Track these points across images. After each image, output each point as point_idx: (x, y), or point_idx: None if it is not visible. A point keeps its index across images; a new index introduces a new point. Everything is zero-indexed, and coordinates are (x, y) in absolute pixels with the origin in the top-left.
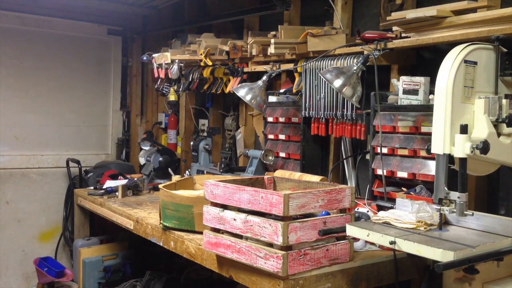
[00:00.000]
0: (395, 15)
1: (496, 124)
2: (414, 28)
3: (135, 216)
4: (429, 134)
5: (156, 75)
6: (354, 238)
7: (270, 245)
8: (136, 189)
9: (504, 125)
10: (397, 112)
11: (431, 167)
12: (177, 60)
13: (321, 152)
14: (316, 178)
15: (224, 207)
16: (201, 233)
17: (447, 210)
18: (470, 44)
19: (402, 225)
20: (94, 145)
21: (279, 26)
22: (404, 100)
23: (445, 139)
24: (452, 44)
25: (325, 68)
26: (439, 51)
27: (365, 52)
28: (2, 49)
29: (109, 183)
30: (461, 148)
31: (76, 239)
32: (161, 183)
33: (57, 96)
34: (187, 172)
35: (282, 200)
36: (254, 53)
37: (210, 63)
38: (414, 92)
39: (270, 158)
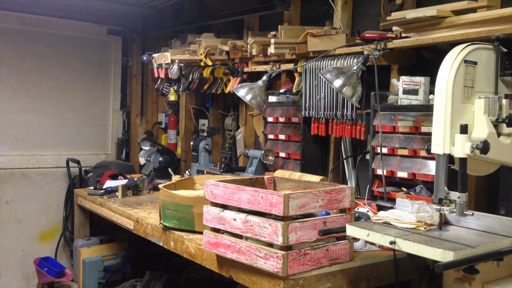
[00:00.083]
0: (395, 15)
1: (496, 124)
2: (414, 28)
3: (135, 216)
4: (429, 134)
5: (156, 75)
6: (354, 238)
7: (270, 245)
8: (136, 189)
9: (504, 125)
10: (397, 112)
11: (431, 167)
12: (177, 60)
13: (321, 152)
14: (316, 178)
15: (224, 207)
16: (201, 233)
17: (447, 210)
18: (470, 44)
19: (402, 225)
20: (94, 145)
21: (279, 26)
22: (404, 100)
23: (445, 139)
24: (452, 44)
25: (325, 68)
26: (439, 51)
27: (365, 52)
28: (2, 49)
29: (109, 183)
30: (461, 148)
31: (76, 239)
32: (161, 183)
33: (57, 96)
34: (187, 172)
35: (282, 200)
36: (254, 53)
37: (210, 63)
38: (414, 92)
39: (270, 158)
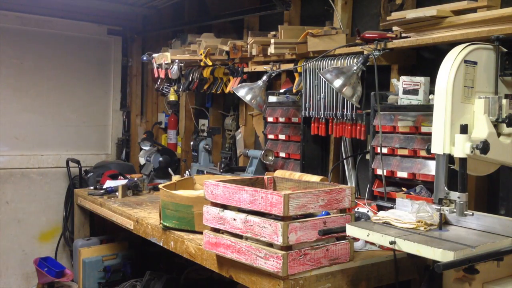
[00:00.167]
0: (395, 15)
1: (496, 124)
2: (414, 28)
3: (135, 216)
4: (429, 134)
5: (156, 75)
6: (354, 238)
7: (270, 245)
8: (136, 189)
9: (504, 125)
10: (397, 112)
11: (431, 167)
12: (177, 60)
13: (321, 152)
14: (316, 178)
15: (224, 207)
16: (201, 233)
17: (447, 210)
18: (470, 44)
19: (402, 225)
20: (94, 145)
21: (279, 26)
22: (404, 100)
23: (445, 139)
24: (452, 44)
25: (325, 68)
26: (439, 51)
27: (365, 52)
28: (2, 49)
29: (109, 183)
30: (461, 148)
31: (76, 239)
32: (161, 183)
33: (57, 96)
34: (187, 172)
35: (282, 200)
36: (254, 53)
37: (210, 63)
38: (414, 92)
39: (270, 158)
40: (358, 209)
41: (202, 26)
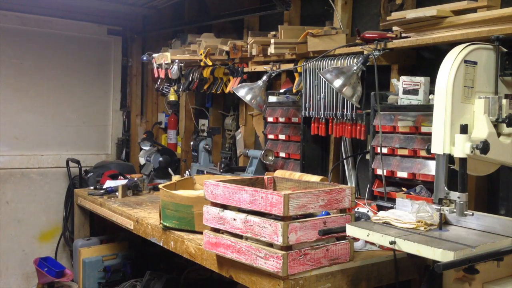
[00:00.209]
0: (395, 15)
1: (496, 124)
2: (414, 28)
3: (135, 216)
4: (429, 134)
5: (156, 75)
6: (354, 238)
7: (270, 245)
8: (136, 189)
9: (504, 125)
10: (397, 112)
11: (431, 167)
12: (177, 60)
13: (321, 152)
14: (316, 178)
15: (224, 207)
16: (201, 233)
17: (447, 210)
18: (470, 44)
19: (402, 225)
20: (94, 145)
21: (279, 26)
22: (404, 100)
23: (445, 139)
24: (452, 44)
25: (325, 68)
26: (439, 51)
27: (365, 52)
28: (2, 49)
29: (109, 183)
30: (461, 148)
31: (76, 239)
32: (161, 183)
33: (57, 96)
34: (187, 172)
35: (282, 200)
36: (254, 53)
37: (210, 63)
38: (414, 92)
39: (270, 158)
40: (358, 209)
41: (202, 26)
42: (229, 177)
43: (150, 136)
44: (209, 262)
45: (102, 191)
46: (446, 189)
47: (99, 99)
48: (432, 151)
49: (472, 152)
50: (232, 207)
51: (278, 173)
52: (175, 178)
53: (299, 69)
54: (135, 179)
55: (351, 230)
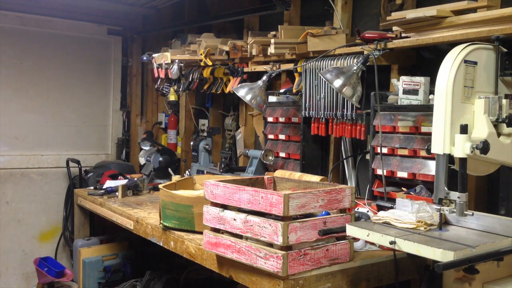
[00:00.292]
0: (395, 15)
1: (496, 124)
2: (414, 28)
3: (135, 216)
4: (429, 134)
5: (156, 75)
6: (354, 238)
7: (270, 245)
8: (136, 189)
9: (504, 125)
10: (397, 112)
11: (431, 167)
12: (177, 60)
13: (321, 152)
14: (316, 178)
15: (224, 207)
16: (201, 233)
17: (447, 210)
18: (470, 44)
19: (402, 225)
20: (94, 145)
21: (279, 26)
22: (404, 100)
23: (445, 139)
24: (452, 44)
25: (325, 68)
26: (439, 51)
27: (365, 52)
28: (2, 49)
29: (109, 183)
30: (461, 148)
31: (76, 239)
32: (161, 183)
33: (57, 96)
34: (187, 172)
35: (282, 200)
36: (254, 53)
37: (210, 63)
38: (414, 92)
39: (270, 158)
40: (358, 209)
41: (202, 26)
42: (229, 177)
43: (150, 136)
44: (209, 262)
45: (102, 191)
46: (446, 189)
47: (99, 99)
48: (432, 151)
49: (472, 152)
50: (232, 207)
51: (278, 173)
52: (175, 178)
53: (299, 69)
54: (135, 179)
55: (351, 230)
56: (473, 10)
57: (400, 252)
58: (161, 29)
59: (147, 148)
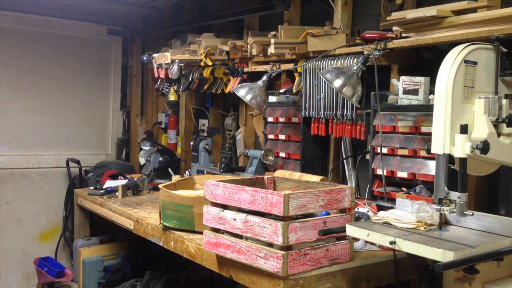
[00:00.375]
0: (395, 15)
1: (496, 124)
2: (414, 28)
3: (135, 216)
4: (429, 134)
5: (156, 75)
6: (354, 238)
7: (270, 245)
8: (136, 189)
9: (504, 125)
10: (397, 112)
11: (431, 167)
12: (177, 60)
13: (321, 152)
14: (316, 178)
15: (224, 207)
16: (201, 233)
17: (447, 210)
18: (470, 44)
19: (402, 225)
20: (94, 145)
21: (279, 26)
22: (404, 100)
23: (445, 139)
24: (452, 44)
25: (325, 68)
26: (439, 51)
27: (365, 52)
28: (2, 49)
29: (109, 183)
30: (461, 148)
31: (76, 239)
32: (161, 183)
33: (57, 96)
34: (187, 172)
35: (282, 200)
36: (254, 53)
37: (210, 63)
38: (414, 92)
39: (270, 158)
40: (358, 209)
41: (202, 26)
42: (229, 177)
43: (150, 136)
44: (209, 262)
45: (102, 191)
46: (446, 189)
47: (99, 99)
48: (432, 151)
49: (472, 152)
50: (232, 207)
51: (278, 173)
52: (175, 178)
53: (299, 69)
54: (135, 179)
55: (351, 230)
56: (473, 10)
57: (400, 252)
58: (161, 29)
59: (147, 148)
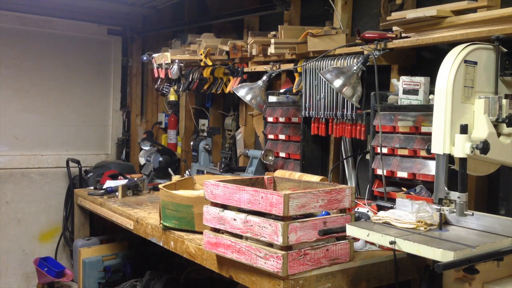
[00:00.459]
0: (395, 15)
1: (496, 124)
2: (414, 28)
3: (135, 216)
4: (429, 134)
5: (156, 75)
6: (354, 238)
7: (270, 245)
8: (136, 189)
9: (504, 125)
10: (397, 112)
11: (431, 167)
12: (177, 60)
13: (321, 152)
14: (316, 178)
15: (224, 207)
16: (201, 233)
17: (447, 210)
18: (470, 44)
19: (402, 225)
20: (94, 145)
21: (279, 26)
22: (404, 100)
23: (445, 139)
24: (452, 44)
25: (325, 68)
26: (439, 51)
27: (365, 52)
28: (2, 49)
29: (109, 183)
30: (461, 148)
31: (76, 239)
32: (161, 183)
33: (57, 96)
34: (187, 172)
35: (282, 200)
36: (254, 53)
37: (210, 63)
38: (414, 92)
39: (270, 158)
40: (358, 209)
41: (202, 26)
42: (229, 177)
43: (150, 136)
44: (209, 262)
45: (102, 191)
46: (446, 189)
47: (99, 99)
48: (432, 151)
49: (472, 152)
50: (232, 207)
51: (278, 173)
52: (175, 178)
53: (299, 69)
54: (135, 179)
55: (351, 230)
56: (473, 10)
57: (400, 252)
58: (161, 29)
59: (147, 148)
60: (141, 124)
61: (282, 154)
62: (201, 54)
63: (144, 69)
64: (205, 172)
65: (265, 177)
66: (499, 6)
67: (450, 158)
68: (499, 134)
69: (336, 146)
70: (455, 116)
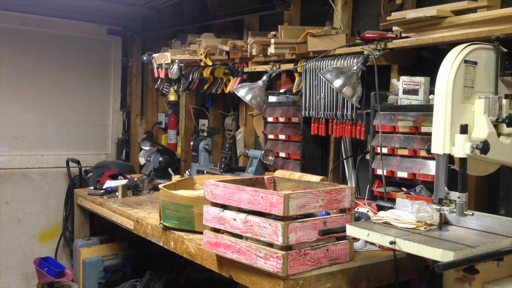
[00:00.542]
0: (395, 15)
1: (496, 124)
2: (414, 28)
3: (135, 216)
4: (429, 134)
5: (156, 75)
6: (354, 238)
7: (270, 245)
8: (136, 189)
9: (504, 125)
10: (397, 112)
11: (431, 167)
12: (177, 60)
13: (321, 152)
14: (316, 178)
15: (224, 207)
16: (201, 233)
17: (447, 210)
18: (470, 44)
19: (402, 225)
20: (94, 145)
21: (279, 26)
22: (404, 100)
23: (445, 139)
24: (452, 44)
25: (325, 68)
26: (439, 51)
27: (365, 52)
28: (2, 49)
29: (109, 183)
30: (461, 148)
31: (76, 239)
32: (161, 183)
33: (57, 96)
34: (187, 172)
35: (282, 200)
36: (254, 53)
37: (210, 63)
38: (414, 92)
39: (270, 158)
40: (358, 209)
41: (202, 26)
42: (229, 177)
43: (150, 136)
44: (209, 262)
45: (102, 191)
46: (446, 189)
47: (99, 99)
48: (432, 151)
49: (472, 152)
50: (232, 207)
51: (278, 173)
52: (175, 178)
53: (299, 69)
54: (135, 179)
55: (351, 230)
56: (473, 10)
57: (400, 252)
58: (161, 29)
59: (147, 148)
60: (141, 124)
61: (282, 154)
62: (201, 54)
63: (144, 69)
64: (205, 172)
65: (265, 177)
66: (499, 6)
67: (450, 158)
68: (499, 134)
69: (336, 146)
70: (455, 116)
